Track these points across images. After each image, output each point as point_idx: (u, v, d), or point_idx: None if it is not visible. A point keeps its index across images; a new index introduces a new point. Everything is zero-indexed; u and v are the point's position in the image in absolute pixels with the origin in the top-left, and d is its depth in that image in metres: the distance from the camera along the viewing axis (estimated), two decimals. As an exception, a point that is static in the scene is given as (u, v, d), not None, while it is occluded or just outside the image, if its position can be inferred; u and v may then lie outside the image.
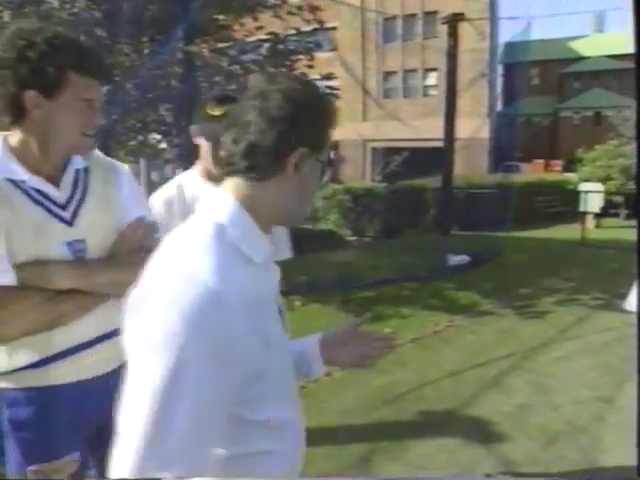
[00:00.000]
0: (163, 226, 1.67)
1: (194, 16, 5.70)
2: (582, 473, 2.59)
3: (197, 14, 5.79)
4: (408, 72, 29.25)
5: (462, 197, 10.45)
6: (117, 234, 1.26)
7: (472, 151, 21.53)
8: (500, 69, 33.98)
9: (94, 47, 1.24)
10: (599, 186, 12.54)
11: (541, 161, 27.09)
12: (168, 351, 0.69)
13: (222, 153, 0.84)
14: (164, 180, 4.30)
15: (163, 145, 8.82)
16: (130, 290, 0.82)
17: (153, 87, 5.83)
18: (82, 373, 1.21)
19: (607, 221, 12.65)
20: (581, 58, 34.66)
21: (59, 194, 1.19)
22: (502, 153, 25.03)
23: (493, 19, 25.02)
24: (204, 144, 1.73)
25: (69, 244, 1.17)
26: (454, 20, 9.26)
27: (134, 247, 1.25)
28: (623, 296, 5.40)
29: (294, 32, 6.83)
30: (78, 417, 1.24)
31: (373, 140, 28.32)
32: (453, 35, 9.21)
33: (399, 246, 9.01)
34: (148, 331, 0.72)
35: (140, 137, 7.94)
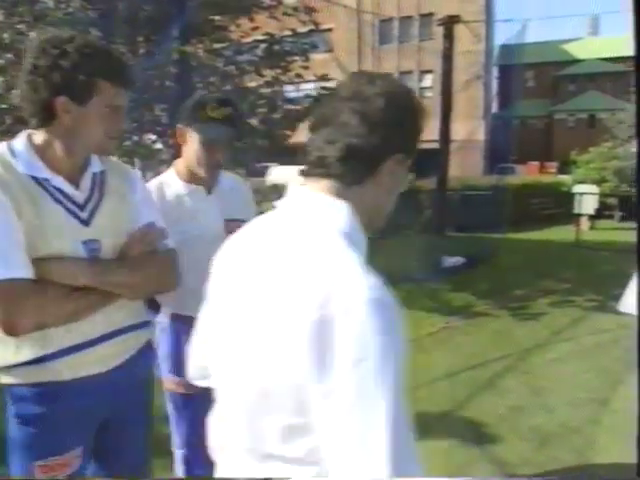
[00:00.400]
0: None
1: (189, 16, 5.69)
2: (576, 474, 2.59)
3: (193, 14, 5.78)
4: (404, 74, 29.29)
5: (457, 199, 10.46)
6: (128, 237, 1.30)
7: (467, 153, 21.60)
8: (495, 71, 34.11)
9: (120, 55, 1.30)
10: (593, 188, 12.59)
11: (536, 163, 27.21)
12: (388, 377, 0.68)
13: (313, 153, 0.83)
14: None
15: (158, 146, 8.79)
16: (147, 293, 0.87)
17: (148, 87, 5.80)
18: (88, 369, 1.25)
19: (601, 223, 12.69)
20: (576, 61, 34.87)
21: (78, 194, 1.24)
22: (497, 155, 25.11)
23: (489, 21, 25.14)
24: (193, 145, 1.73)
25: (85, 243, 1.22)
26: (449, 22, 9.31)
27: (144, 250, 1.32)
28: (617, 298, 5.43)
29: (290, 33, 6.83)
30: (83, 413, 1.27)
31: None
32: (449, 37, 9.26)
33: (394, 247, 9.00)
34: (354, 373, 0.68)
35: (135, 137, 7.91)
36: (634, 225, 7.92)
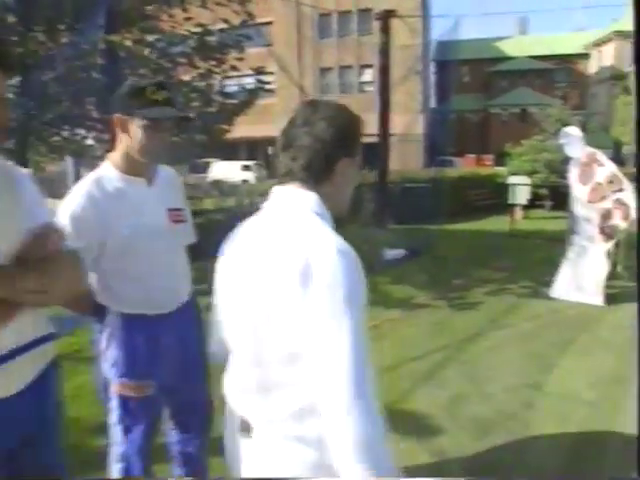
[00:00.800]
0: (89, 222, 1.63)
1: (117, 4, 5.39)
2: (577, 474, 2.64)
3: (120, 2, 5.49)
4: (344, 68, 29.47)
5: (398, 191, 10.61)
6: (26, 239, 1.17)
7: (407, 146, 22.00)
8: (433, 66, 34.93)
9: None
10: (526, 179, 13.13)
11: (473, 156, 28.11)
12: (352, 308, 0.96)
13: (282, 168, 1.11)
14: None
15: (90, 141, 8.35)
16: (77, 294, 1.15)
17: (73, 79, 5.47)
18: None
19: (534, 212, 13.28)
20: (508, 58, 36.24)
21: None
22: (436, 148, 25.75)
23: (425, 16, 25.63)
24: (135, 132, 1.67)
25: None
26: (386, 17, 9.37)
27: (47, 252, 1.19)
28: (548, 284, 5.67)
29: (227, 26, 6.62)
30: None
31: (311, 136, 28.25)
32: (385, 31, 9.33)
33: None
34: (328, 298, 0.96)
35: (65, 133, 7.47)
36: (563, 214, 8.30)
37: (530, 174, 13.93)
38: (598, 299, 5.07)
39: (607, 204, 4.96)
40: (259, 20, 32.69)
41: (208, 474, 2.14)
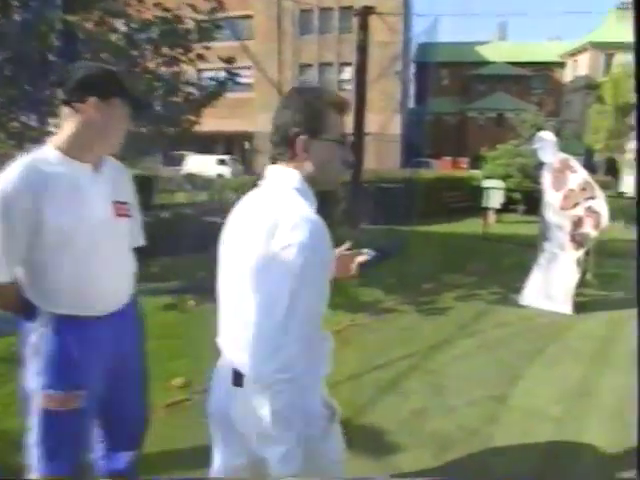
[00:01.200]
0: (20, 205, 1.46)
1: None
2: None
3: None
4: (324, 65, 29.28)
5: (372, 191, 10.47)
6: None
7: (383, 146, 21.95)
8: (412, 67, 35.01)
9: None
10: (500, 183, 13.16)
11: (449, 158, 28.25)
12: (312, 268, 1.12)
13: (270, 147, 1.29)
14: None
15: (51, 128, 7.94)
16: None
17: (27, 61, 5.12)
18: None
19: (507, 216, 13.33)
20: (486, 63, 36.59)
21: None
22: (413, 149, 25.79)
23: (406, 15, 25.57)
24: (95, 114, 1.57)
25: None
26: (365, 13, 9.20)
27: None
28: (518, 290, 5.56)
29: (196, 14, 6.31)
30: None
31: (288, 132, 28.02)
32: (364, 28, 9.15)
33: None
34: (289, 256, 1.10)
35: (24, 118, 7.05)
36: (536, 218, 8.28)
37: (504, 178, 13.99)
38: (567, 307, 4.99)
39: (579, 211, 4.88)
40: (238, 13, 32.25)
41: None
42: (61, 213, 1.50)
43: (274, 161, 1.28)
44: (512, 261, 7.39)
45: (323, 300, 1.19)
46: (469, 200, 14.28)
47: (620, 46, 30.52)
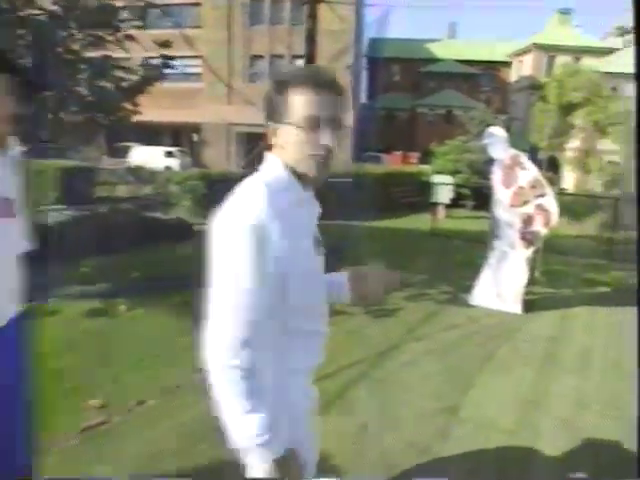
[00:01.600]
0: None
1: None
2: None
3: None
4: (275, 57, 28.75)
5: (322, 185, 10.20)
6: None
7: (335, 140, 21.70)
8: (364, 63, 35.04)
9: None
10: (449, 178, 13.24)
11: (399, 153, 28.43)
12: (235, 266, 1.09)
13: None
14: None
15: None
16: None
17: None
18: None
19: (456, 212, 13.43)
20: (436, 60, 37.07)
21: None
22: (364, 143, 25.78)
23: (358, 4, 25.36)
24: None
25: None
26: (314, 1, 8.89)
27: None
28: (468, 289, 5.44)
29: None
30: None
31: (238, 124, 27.40)
32: (313, 17, 8.84)
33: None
34: (218, 255, 1.11)
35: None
36: (484, 214, 8.27)
37: (453, 174, 14.11)
38: (517, 307, 4.90)
39: (529, 209, 4.79)
40: (187, 1, 31.07)
41: None
42: None
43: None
44: (461, 258, 7.32)
45: (256, 294, 1.08)
46: (418, 195, 14.33)
47: (561, 48, 31.70)
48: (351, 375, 3.44)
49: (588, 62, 23.46)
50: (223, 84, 27.10)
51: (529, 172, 4.85)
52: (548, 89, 20.41)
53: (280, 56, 28.45)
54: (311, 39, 8.91)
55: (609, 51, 30.38)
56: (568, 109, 19.45)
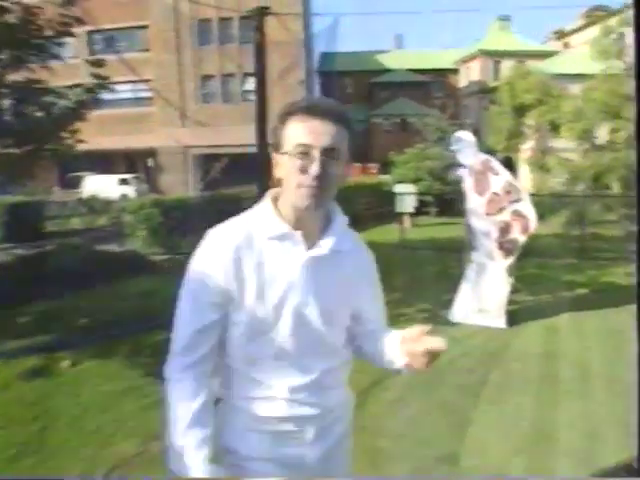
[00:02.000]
0: None
1: None
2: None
3: None
4: (227, 76, 28.38)
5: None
6: None
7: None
8: (316, 77, 35.15)
9: None
10: (411, 187, 13.08)
11: (359, 164, 28.36)
12: (191, 285, 1.13)
13: None
14: None
15: None
16: None
17: None
18: None
19: (421, 220, 13.27)
20: (387, 70, 37.60)
21: None
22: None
23: (305, 15, 25.26)
24: None
25: None
26: (261, 14, 8.56)
27: None
28: (446, 304, 5.08)
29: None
30: None
31: (194, 147, 26.81)
32: (260, 29, 8.51)
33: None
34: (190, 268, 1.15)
35: None
36: (449, 220, 8.01)
37: (415, 182, 13.98)
38: (500, 321, 4.59)
39: (505, 216, 4.50)
40: (133, 23, 30.48)
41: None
42: None
43: None
44: (435, 270, 7.01)
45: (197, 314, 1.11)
46: (381, 206, 14.14)
47: (506, 53, 32.75)
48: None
49: (532, 65, 24.13)
50: (175, 107, 26.50)
51: (501, 177, 4.57)
52: (501, 91, 20.72)
53: (231, 75, 28.09)
54: (260, 53, 8.56)
55: (550, 54, 31.40)
56: (521, 110, 19.74)
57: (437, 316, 4.96)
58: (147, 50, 29.11)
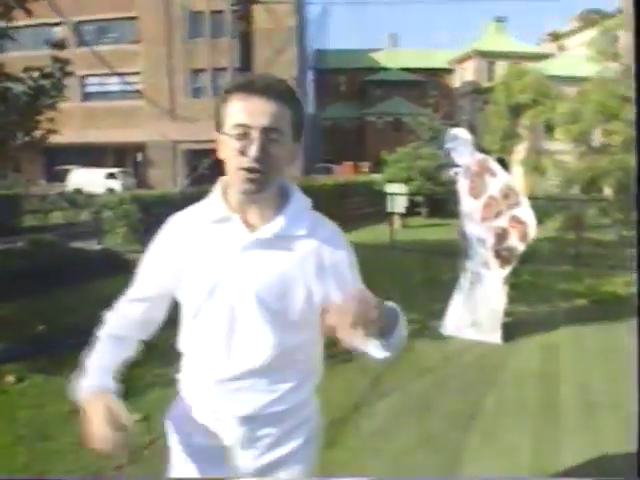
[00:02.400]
0: None
1: None
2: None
3: None
4: (218, 71, 27.90)
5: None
6: None
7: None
8: (310, 74, 34.85)
9: None
10: (402, 187, 12.77)
11: (350, 163, 28.07)
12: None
13: None
14: None
15: None
16: None
17: None
18: None
19: (412, 220, 12.98)
20: (381, 69, 37.34)
21: None
22: (314, 155, 25.20)
23: (298, 4, 24.81)
24: None
25: None
26: (247, 2, 8.13)
27: None
28: (437, 315, 4.70)
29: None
30: None
31: (183, 142, 26.31)
32: (246, 19, 8.09)
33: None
34: None
35: None
36: (440, 221, 7.68)
37: (406, 181, 13.70)
38: (495, 336, 4.22)
39: (502, 222, 4.12)
40: (123, 14, 29.86)
41: None
42: None
43: None
44: (426, 275, 6.64)
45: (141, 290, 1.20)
46: (372, 205, 13.86)
47: (500, 54, 32.65)
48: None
49: (528, 65, 24.02)
50: (164, 100, 25.96)
51: (499, 179, 4.19)
52: (497, 92, 20.48)
53: (223, 69, 27.59)
54: (247, 44, 8.14)
55: (545, 56, 31.26)
56: (516, 111, 19.51)
57: (427, 328, 4.59)
58: (136, 42, 28.54)
